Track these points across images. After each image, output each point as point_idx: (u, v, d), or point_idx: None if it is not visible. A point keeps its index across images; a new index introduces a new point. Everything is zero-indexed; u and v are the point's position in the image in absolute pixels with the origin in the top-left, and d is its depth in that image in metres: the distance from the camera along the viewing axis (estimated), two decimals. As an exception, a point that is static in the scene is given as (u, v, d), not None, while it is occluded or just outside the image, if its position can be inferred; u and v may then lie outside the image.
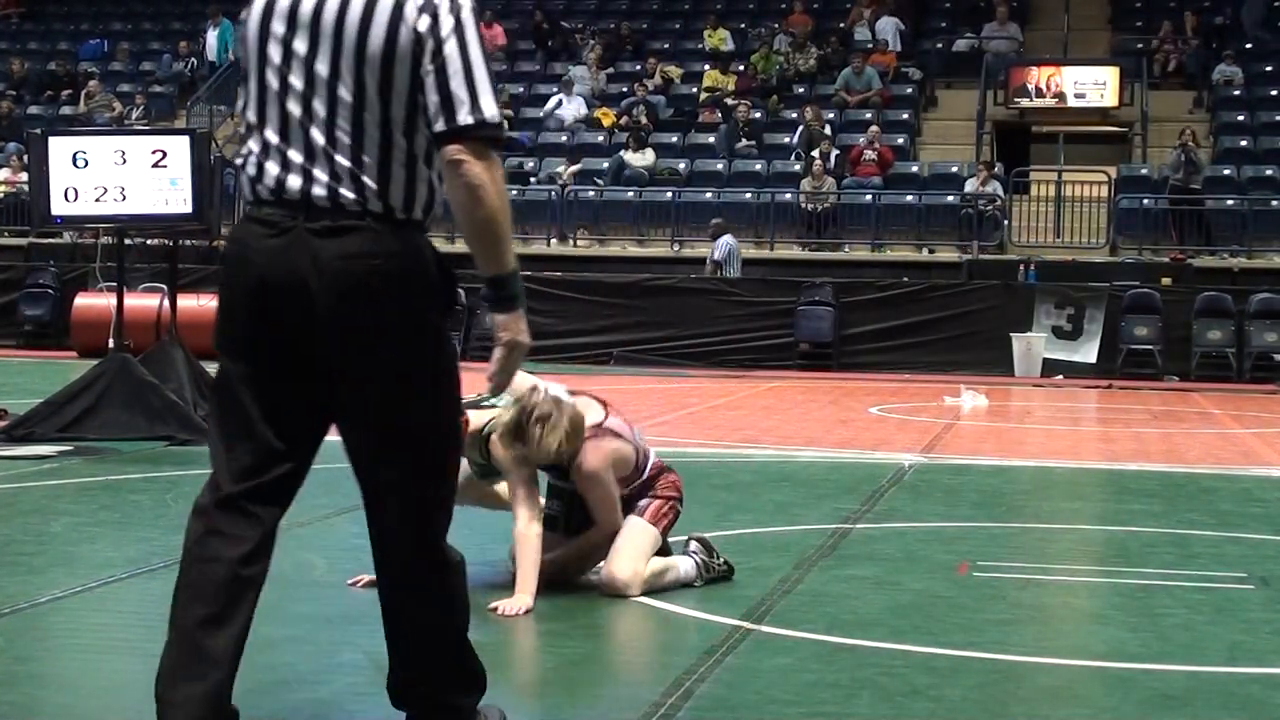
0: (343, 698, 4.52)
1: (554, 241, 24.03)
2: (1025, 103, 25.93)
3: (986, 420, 14.13)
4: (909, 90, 26.69)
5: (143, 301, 14.75)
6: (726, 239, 21.74)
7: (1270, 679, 4.98)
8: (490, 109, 3.60)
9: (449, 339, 3.80)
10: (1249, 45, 27.03)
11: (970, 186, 23.33)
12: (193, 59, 29.47)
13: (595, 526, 5.97)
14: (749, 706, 4.47)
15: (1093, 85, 25.77)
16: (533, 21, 29.33)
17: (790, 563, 6.65)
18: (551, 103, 26.77)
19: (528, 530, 5.69)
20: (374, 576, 4.92)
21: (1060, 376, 19.08)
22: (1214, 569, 6.82)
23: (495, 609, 5.48)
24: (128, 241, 11.75)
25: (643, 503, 5.97)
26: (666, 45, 29.07)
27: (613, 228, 24.06)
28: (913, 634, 5.40)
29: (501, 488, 6.14)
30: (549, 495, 6.13)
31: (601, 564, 5.96)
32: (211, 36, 29.43)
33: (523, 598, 5.55)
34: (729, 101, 26.06)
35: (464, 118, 3.57)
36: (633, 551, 5.82)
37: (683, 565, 6.04)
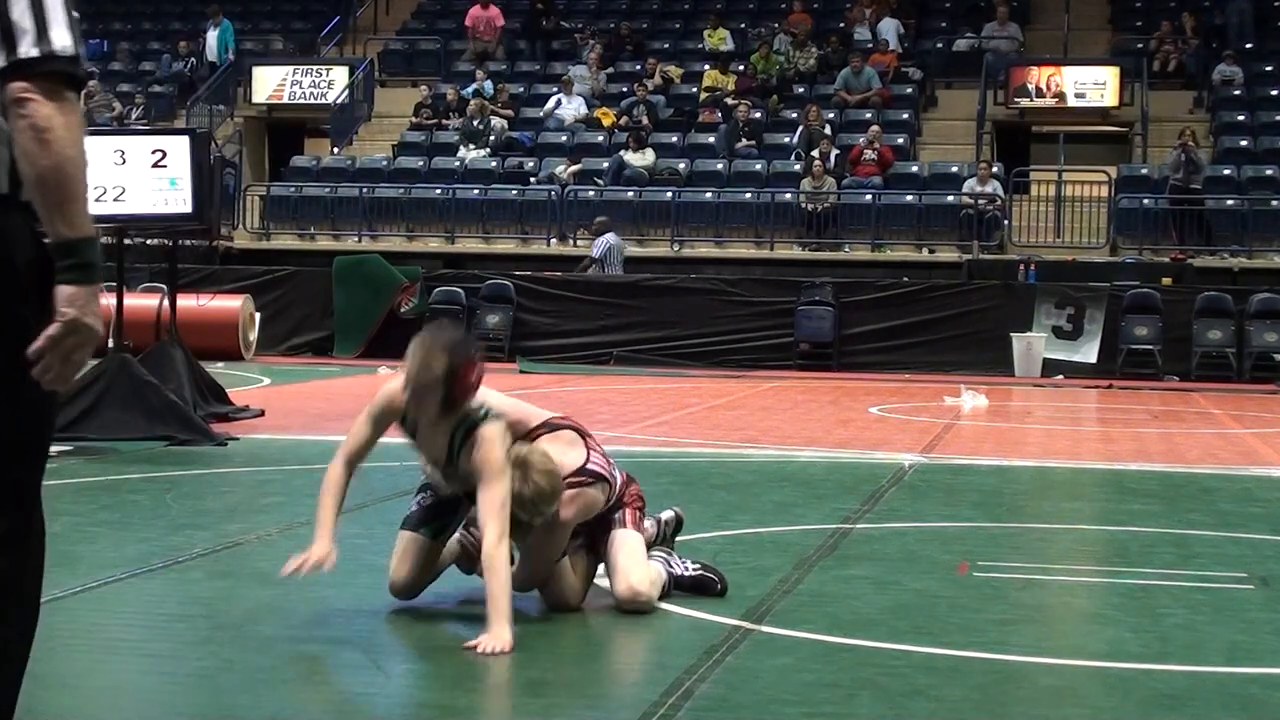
0: (343, 698, 4.52)
1: (554, 241, 24.04)
2: (1025, 103, 25.93)
3: (986, 420, 14.13)
4: (909, 90, 26.70)
5: (142, 301, 14.74)
6: (608, 236, 21.99)
7: (1270, 679, 4.98)
8: (62, 40, 3.05)
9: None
10: (1249, 45, 27.04)
11: (970, 186, 23.33)
12: (192, 58, 29.42)
13: (523, 566, 5.64)
14: (749, 706, 4.47)
15: (1093, 85, 25.78)
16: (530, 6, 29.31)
17: (790, 563, 6.65)
18: (551, 103, 26.77)
19: (498, 550, 5.14)
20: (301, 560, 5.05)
21: (1060, 376, 19.07)
22: (1214, 569, 6.81)
23: (474, 647, 4.96)
24: (127, 241, 11.76)
25: (618, 515, 5.79)
26: (666, 45, 29.08)
27: (613, 228, 24.05)
28: (913, 634, 5.40)
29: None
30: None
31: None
32: (211, 37, 29.31)
33: (502, 631, 5.00)
34: (729, 101, 26.06)
35: (27, 49, 3.02)
36: (641, 562, 5.69)
37: (661, 570, 5.98)
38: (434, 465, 5.59)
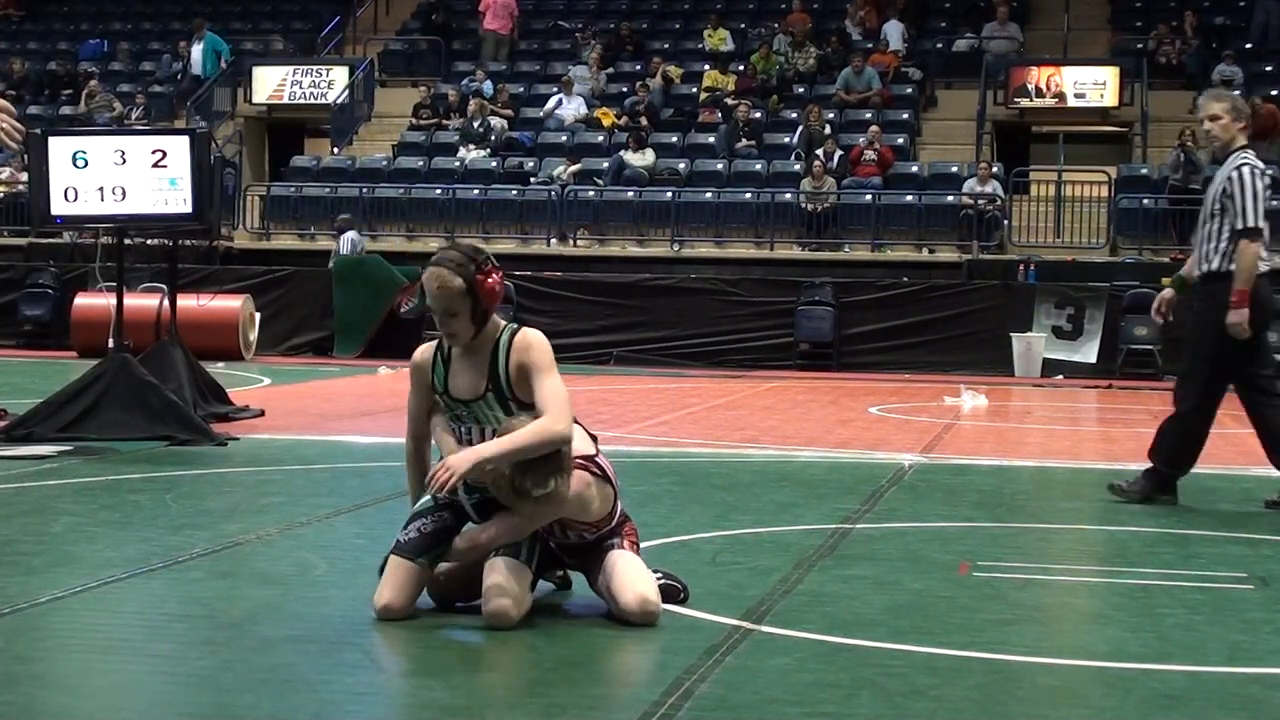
0: (343, 698, 4.52)
1: (554, 241, 24.04)
2: (1025, 103, 25.94)
3: (986, 420, 14.12)
4: (909, 90, 26.70)
5: (142, 301, 14.74)
6: (350, 234, 22.45)
7: (1270, 679, 4.98)
8: None
9: None
10: (1249, 45, 27.06)
11: (970, 186, 23.33)
12: (181, 62, 29.20)
13: (489, 527, 5.49)
14: (749, 706, 4.47)
15: (1093, 85, 25.80)
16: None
17: (790, 563, 6.65)
18: (551, 103, 26.79)
19: (566, 423, 5.33)
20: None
21: (1060, 376, 19.07)
22: (1214, 569, 6.81)
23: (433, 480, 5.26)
24: (128, 241, 11.76)
25: (615, 541, 5.63)
26: (666, 45, 29.09)
27: (613, 228, 24.08)
28: (913, 634, 5.40)
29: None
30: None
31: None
32: (196, 50, 28.82)
33: (470, 456, 5.26)
34: (729, 101, 26.07)
35: None
36: (646, 574, 5.55)
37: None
38: (468, 405, 5.49)
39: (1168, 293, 9.20)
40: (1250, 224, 8.49)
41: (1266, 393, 8.83)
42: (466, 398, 5.51)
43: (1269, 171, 8.79)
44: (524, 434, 5.29)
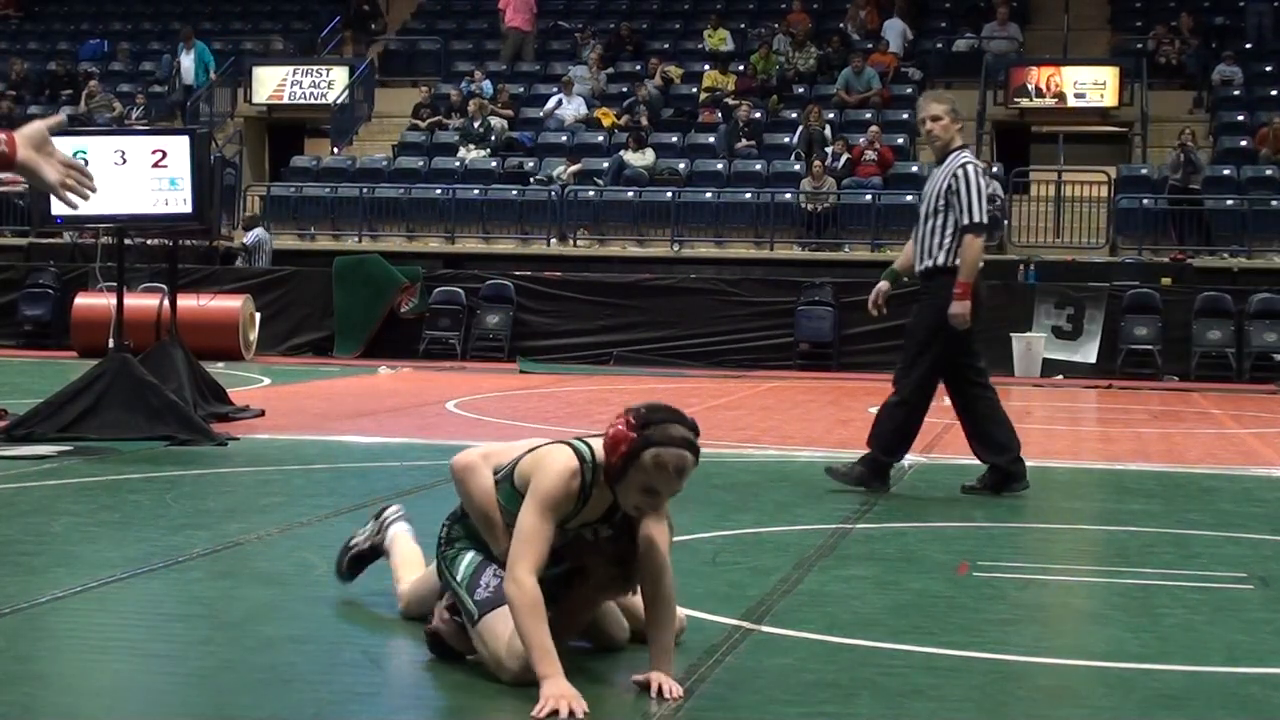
0: (343, 698, 4.52)
1: (554, 241, 24.05)
2: (1025, 103, 25.94)
3: (986, 420, 14.08)
4: (909, 90, 26.71)
5: (143, 301, 14.73)
6: (257, 230, 23.26)
7: (1270, 679, 4.98)
8: None
9: None
10: (1249, 45, 27.07)
11: (970, 186, 23.30)
12: (173, 71, 29.08)
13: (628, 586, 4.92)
14: (749, 706, 4.47)
15: (1093, 85, 25.80)
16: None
17: (790, 563, 6.65)
18: (551, 103, 26.79)
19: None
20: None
21: (1060, 376, 19.07)
22: (1214, 569, 6.81)
23: (655, 691, 4.49)
24: (128, 241, 11.76)
25: None
26: (666, 45, 29.10)
27: (613, 228, 24.08)
28: (913, 634, 5.40)
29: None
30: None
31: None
32: (186, 60, 28.48)
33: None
34: (729, 101, 26.08)
35: None
36: None
37: None
38: (577, 524, 4.82)
39: (883, 285, 9.47)
40: (975, 219, 8.96)
41: (975, 384, 9.09)
42: (591, 520, 4.87)
43: (992, 170, 9.13)
44: (662, 625, 4.68)
